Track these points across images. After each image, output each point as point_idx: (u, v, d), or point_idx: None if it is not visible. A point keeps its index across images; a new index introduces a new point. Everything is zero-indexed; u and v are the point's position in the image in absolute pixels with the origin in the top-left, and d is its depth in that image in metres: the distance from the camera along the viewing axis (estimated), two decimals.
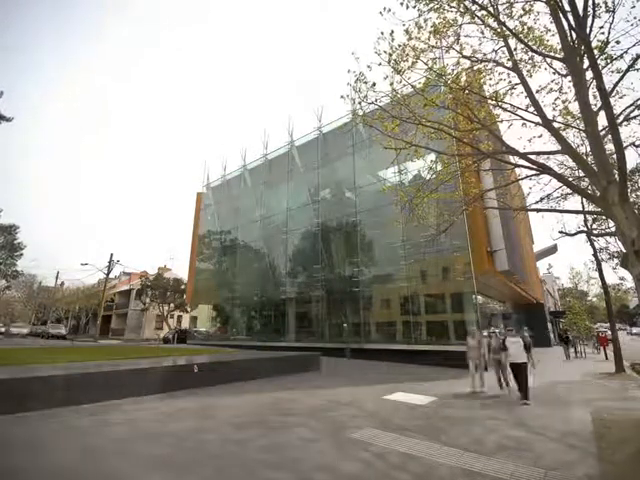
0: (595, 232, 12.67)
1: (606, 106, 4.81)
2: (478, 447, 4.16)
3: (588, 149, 7.59)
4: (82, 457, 3.65)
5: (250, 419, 5.22)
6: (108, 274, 31.56)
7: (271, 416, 5.46)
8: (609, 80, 5.49)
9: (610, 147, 6.39)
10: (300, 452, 3.91)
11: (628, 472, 3.69)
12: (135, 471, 3.33)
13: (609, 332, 16.15)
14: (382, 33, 6.29)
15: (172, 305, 38.54)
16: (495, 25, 5.85)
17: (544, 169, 6.10)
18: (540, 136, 7.10)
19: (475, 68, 6.55)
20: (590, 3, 4.92)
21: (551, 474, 3.42)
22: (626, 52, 5.37)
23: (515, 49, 6.05)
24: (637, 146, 7.34)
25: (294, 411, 5.81)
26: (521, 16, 5.97)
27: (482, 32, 6.11)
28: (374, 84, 6.56)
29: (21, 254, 31.59)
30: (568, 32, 5.23)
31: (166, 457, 3.68)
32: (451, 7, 5.97)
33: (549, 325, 29.29)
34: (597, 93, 5.21)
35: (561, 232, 11.13)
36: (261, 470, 3.41)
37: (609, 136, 5.59)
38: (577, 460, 3.82)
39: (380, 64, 6.47)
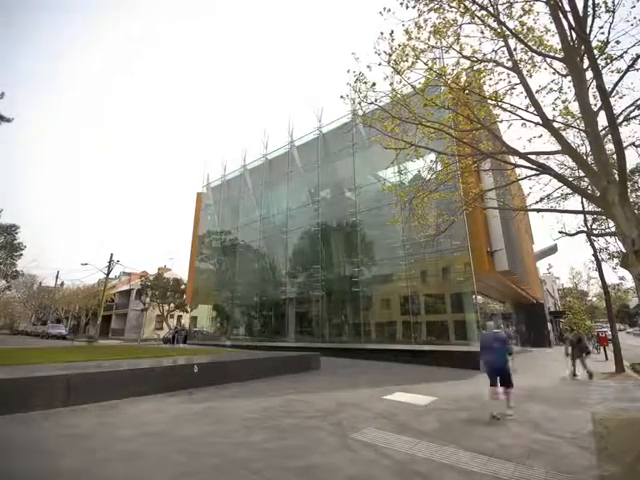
0: (595, 232, 12.68)
1: (606, 106, 4.80)
2: (483, 448, 4.16)
3: (588, 149, 7.61)
4: (91, 462, 3.58)
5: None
6: (108, 274, 31.57)
7: (281, 418, 5.36)
8: (609, 80, 5.49)
9: (610, 147, 6.40)
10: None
11: (634, 473, 3.68)
12: None
13: (609, 332, 16.15)
14: (382, 33, 6.29)
15: (172, 305, 38.56)
16: (495, 25, 5.85)
17: (544, 169, 6.09)
18: (540, 136, 7.11)
19: (475, 68, 6.55)
20: (590, 3, 4.92)
21: (551, 474, 3.42)
22: (626, 52, 5.37)
23: (515, 49, 6.05)
24: (637, 146, 7.35)
25: (303, 413, 5.73)
26: (521, 16, 5.97)
27: (482, 32, 6.11)
28: (374, 84, 6.55)
29: (21, 254, 31.52)
30: (568, 32, 5.22)
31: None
32: (451, 7, 5.97)
33: (549, 325, 29.30)
34: (597, 93, 5.21)
35: (561, 232, 11.14)
36: None
37: (609, 136, 5.59)
38: (582, 460, 3.82)
39: (380, 64, 6.47)
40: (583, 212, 10.75)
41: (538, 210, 7.49)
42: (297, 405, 6.25)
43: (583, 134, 7.35)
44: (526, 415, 5.77)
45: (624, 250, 5.35)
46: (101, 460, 3.58)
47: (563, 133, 6.36)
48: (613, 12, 5.04)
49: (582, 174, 8.26)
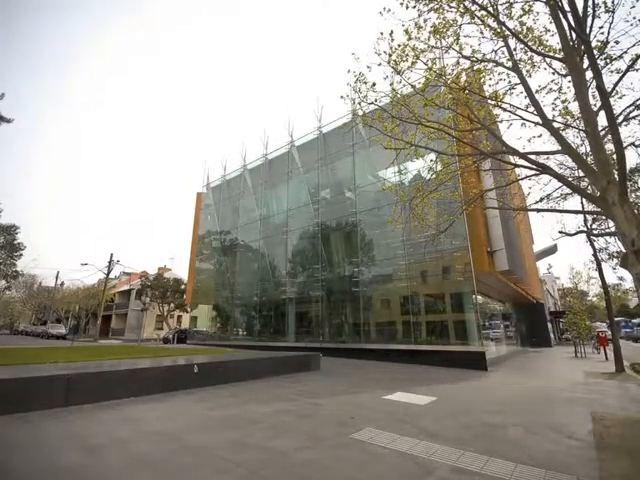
0: (595, 232, 12.68)
1: (606, 106, 4.81)
2: (484, 448, 4.15)
3: (588, 149, 7.61)
4: (91, 463, 3.58)
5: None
6: (108, 274, 31.60)
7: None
8: (609, 80, 5.50)
9: (610, 147, 6.40)
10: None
11: (633, 472, 3.68)
12: None
13: (609, 332, 16.15)
14: (382, 33, 6.30)
15: (172, 305, 38.56)
16: (495, 25, 5.86)
17: (544, 169, 6.10)
18: (540, 136, 7.11)
19: (475, 68, 6.55)
20: (590, 3, 4.92)
21: (551, 474, 3.42)
22: (626, 52, 5.38)
23: (515, 49, 6.06)
24: (637, 146, 7.35)
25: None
26: (521, 16, 5.97)
27: (482, 32, 6.11)
28: (374, 84, 6.56)
29: (21, 254, 31.55)
30: (568, 32, 5.23)
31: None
32: (451, 7, 5.97)
33: (549, 325, 29.29)
34: (597, 93, 5.21)
35: (561, 232, 11.14)
36: None
37: (609, 136, 5.60)
38: (581, 459, 3.82)
39: (380, 64, 6.48)
40: (583, 212, 10.76)
41: (538, 210, 7.49)
42: (305, 407, 6.16)
43: (583, 134, 7.35)
44: (521, 415, 5.78)
45: (624, 250, 5.35)
46: (102, 461, 3.56)
47: (563, 133, 6.37)
48: (613, 12, 5.04)
49: (582, 174, 8.26)
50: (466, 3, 5.80)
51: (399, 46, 6.38)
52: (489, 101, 6.70)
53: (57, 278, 42.13)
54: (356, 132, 17.09)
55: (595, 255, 13.64)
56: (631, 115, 5.71)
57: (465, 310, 13.38)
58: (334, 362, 13.27)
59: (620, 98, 6.25)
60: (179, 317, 43.78)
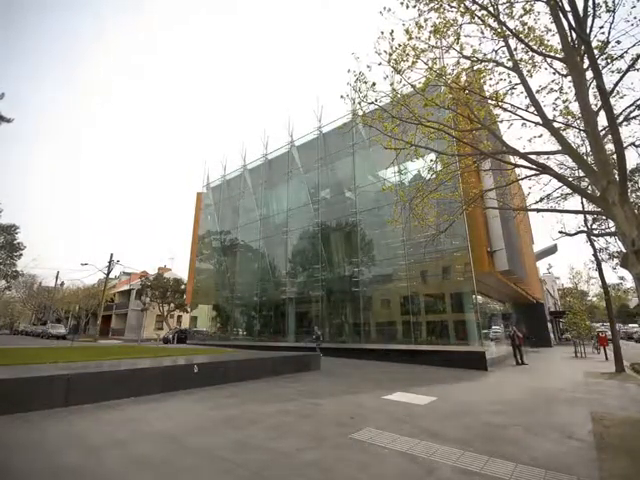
0: (595, 232, 12.69)
1: (606, 106, 4.80)
2: (484, 448, 4.15)
3: (588, 149, 7.61)
4: (91, 463, 3.59)
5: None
6: (108, 274, 31.58)
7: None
8: (609, 80, 5.49)
9: (610, 147, 6.40)
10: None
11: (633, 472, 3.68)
12: None
13: (609, 332, 16.14)
14: (382, 33, 6.29)
15: (172, 305, 38.55)
16: (495, 25, 5.85)
17: (544, 169, 6.10)
18: (540, 136, 7.11)
19: (475, 68, 6.54)
20: (590, 3, 4.92)
21: (551, 474, 3.42)
22: (626, 52, 5.37)
23: (515, 49, 6.05)
24: (637, 146, 7.35)
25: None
26: (521, 16, 5.96)
27: (482, 32, 6.11)
28: (374, 84, 6.55)
29: (21, 254, 31.54)
30: (568, 32, 5.23)
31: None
32: (451, 7, 5.96)
33: (549, 325, 29.27)
34: (597, 93, 5.21)
35: (561, 232, 11.13)
36: None
37: (609, 136, 5.59)
38: (581, 459, 3.82)
39: (380, 64, 6.47)
40: (583, 212, 10.75)
41: (538, 210, 7.48)
42: (305, 407, 6.16)
43: (583, 134, 7.35)
44: (522, 416, 5.77)
45: (624, 250, 5.35)
46: (102, 461, 3.56)
47: (563, 133, 6.36)
48: (613, 12, 5.04)
49: (582, 174, 8.26)
50: (467, 3, 5.79)
51: (399, 46, 6.37)
52: (489, 101, 6.69)
53: (57, 278, 42.12)
54: (356, 132, 17.08)
55: (595, 255, 13.64)
56: (631, 115, 5.71)
57: (465, 310, 13.38)
58: (334, 362, 13.27)
59: (621, 98, 6.26)
60: (179, 317, 43.78)
